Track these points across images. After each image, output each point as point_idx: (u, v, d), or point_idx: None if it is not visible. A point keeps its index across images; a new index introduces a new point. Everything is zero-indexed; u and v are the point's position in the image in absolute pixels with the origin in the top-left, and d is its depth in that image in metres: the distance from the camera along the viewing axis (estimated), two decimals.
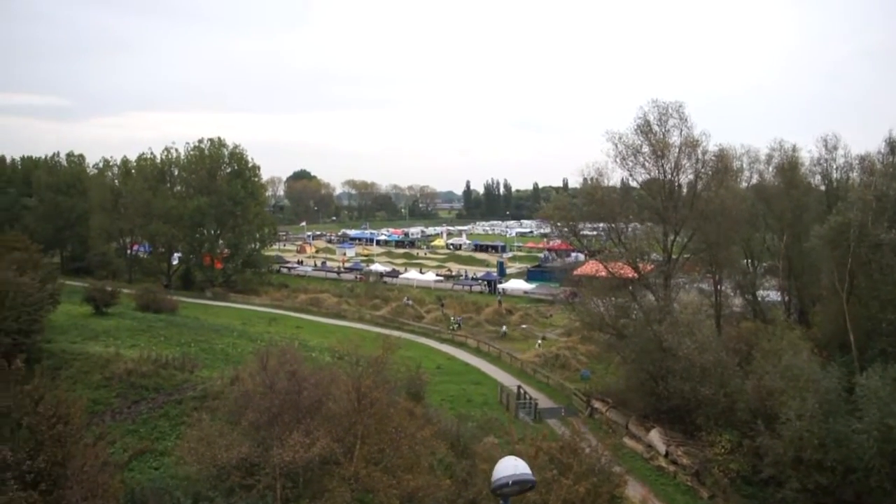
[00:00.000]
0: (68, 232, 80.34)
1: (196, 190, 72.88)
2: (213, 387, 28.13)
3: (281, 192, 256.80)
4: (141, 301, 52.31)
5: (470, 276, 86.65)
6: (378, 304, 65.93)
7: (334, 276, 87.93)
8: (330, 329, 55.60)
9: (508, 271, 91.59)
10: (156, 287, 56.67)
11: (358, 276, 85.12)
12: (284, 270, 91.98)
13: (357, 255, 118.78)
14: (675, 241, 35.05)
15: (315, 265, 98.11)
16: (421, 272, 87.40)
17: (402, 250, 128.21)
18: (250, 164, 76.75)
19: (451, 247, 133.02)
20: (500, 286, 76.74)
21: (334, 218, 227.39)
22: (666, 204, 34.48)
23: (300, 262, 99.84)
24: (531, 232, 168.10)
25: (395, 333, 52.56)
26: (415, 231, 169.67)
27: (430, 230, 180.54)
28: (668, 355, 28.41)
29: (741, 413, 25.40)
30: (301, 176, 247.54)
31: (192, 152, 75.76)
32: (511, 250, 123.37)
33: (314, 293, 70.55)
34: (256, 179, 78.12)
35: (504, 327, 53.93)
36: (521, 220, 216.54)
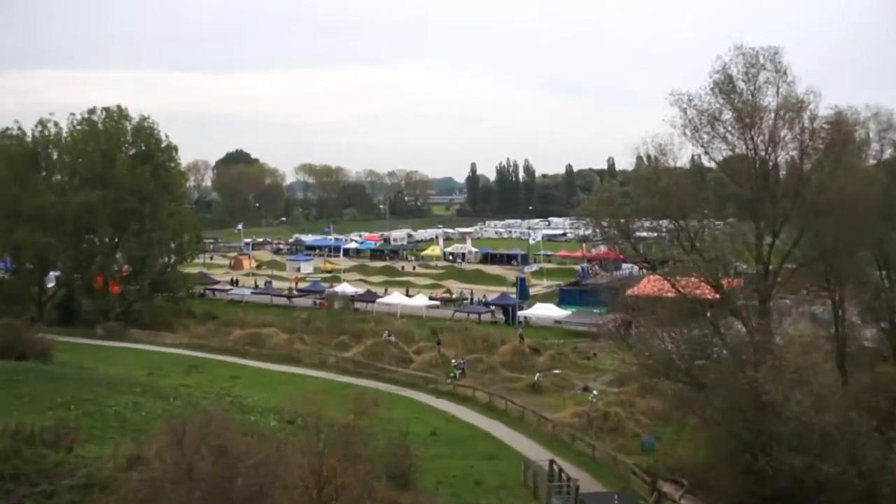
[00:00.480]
0: None
1: (84, 180, 72.28)
2: (102, 471, 27.27)
3: (208, 182, 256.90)
4: None
5: (478, 299, 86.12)
6: (346, 341, 65.72)
7: (284, 301, 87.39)
8: (277, 380, 55.33)
9: (533, 292, 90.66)
10: (21, 322, 55.91)
11: (318, 302, 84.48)
12: (212, 294, 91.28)
13: (317, 270, 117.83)
14: (773, 245, 34.34)
15: (256, 286, 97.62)
16: (408, 294, 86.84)
17: (380, 263, 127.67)
18: (164, 144, 76.34)
19: (451, 257, 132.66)
20: (520, 314, 76.24)
21: (283, 219, 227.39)
22: (758, 193, 33.88)
23: (234, 283, 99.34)
24: (564, 235, 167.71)
25: (372, 385, 52.25)
26: (398, 235, 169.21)
27: (421, 234, 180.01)
28: (769, 415, 27.68)
29: (886, 501, 24.50)
30: (237, 159, 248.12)
31: (79, 127, 75.25)
32: (536, 261, 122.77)
33: (254, 327, 70.21)
34: (173, 165, 77.69)
35: (539, 375, 53.48)
36: (550, 218, 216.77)
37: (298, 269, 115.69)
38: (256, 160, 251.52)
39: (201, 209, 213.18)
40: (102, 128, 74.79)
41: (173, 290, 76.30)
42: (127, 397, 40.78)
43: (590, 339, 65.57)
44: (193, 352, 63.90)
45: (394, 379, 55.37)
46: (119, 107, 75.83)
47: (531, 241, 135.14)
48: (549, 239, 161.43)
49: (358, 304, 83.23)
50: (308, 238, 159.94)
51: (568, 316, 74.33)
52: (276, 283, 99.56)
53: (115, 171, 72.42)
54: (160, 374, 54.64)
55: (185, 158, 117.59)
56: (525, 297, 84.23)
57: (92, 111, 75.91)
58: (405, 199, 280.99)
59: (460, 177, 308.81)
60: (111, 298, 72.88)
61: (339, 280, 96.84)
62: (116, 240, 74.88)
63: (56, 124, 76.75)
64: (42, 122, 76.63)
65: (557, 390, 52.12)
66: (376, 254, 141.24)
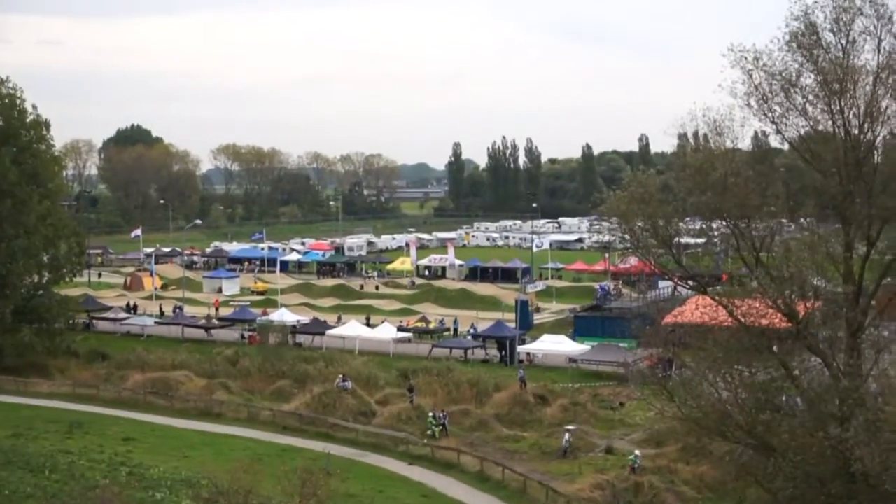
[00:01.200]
0: None
1: None
2: None
3: (93, 171, 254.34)
4: None
5: (464, 330, 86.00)
6: (286, 388, 65.96)
7: (200, 334, 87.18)
8: (191, 442, 55.30)
9: (538, 319, 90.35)
10: None
11: (247, 335, 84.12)
12: (100, 326, 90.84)
13: (244, 291, 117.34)
14: (868, 257, 34.21)
15: (161, 314, 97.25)
16: (369, 324, 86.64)
17: (331, 281, 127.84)
18: (31, 118, 75.51)
19: (427, 273, 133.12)
20: (521, 349, 76.36)
21: (198, 221, 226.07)
22: (849, 185, 33.62)
23: (131, 309, 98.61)
24: (580, 241, 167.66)
25: (321, 447, 52.20)
26: (356, 243, 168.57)
27: (385, 241, 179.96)
28: (861, 489, 27.46)
29: None
30: (132, 137, 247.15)
31: None
32: (542, 278, 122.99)
33: (160, 370, 70.05)
34: (44, 147, 76.64)
35: (568, 435, 52.73)
36: (560, 219, 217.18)
37: (220, 290, 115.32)
38: (159, 140, 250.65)
39: (84, 207, 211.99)
40: None
41: (46, 320, 74.89)
42: None
43: (615, 383, 65.96)
44: (76, 404, 63.50)
45: (351, 439, 55.37)
46: None
47: (535, 250, 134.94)
48: (561, 247, 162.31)
49: (301, 338, 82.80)
50: (232, 247, 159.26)
51: (585, 352, 74.07)
52: (188, 310, 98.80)
53: None
54: (30, 435, 54.09)
55: (59, 138, 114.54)
56: (528, 327, 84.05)
57: None
58: (364, 194, 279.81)
59: (438, 163, 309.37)
60: None
61: (275, 305, 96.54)
62: None
63: None
64: None
65: (571, 452, 51.96)
66: (325, 268, 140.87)
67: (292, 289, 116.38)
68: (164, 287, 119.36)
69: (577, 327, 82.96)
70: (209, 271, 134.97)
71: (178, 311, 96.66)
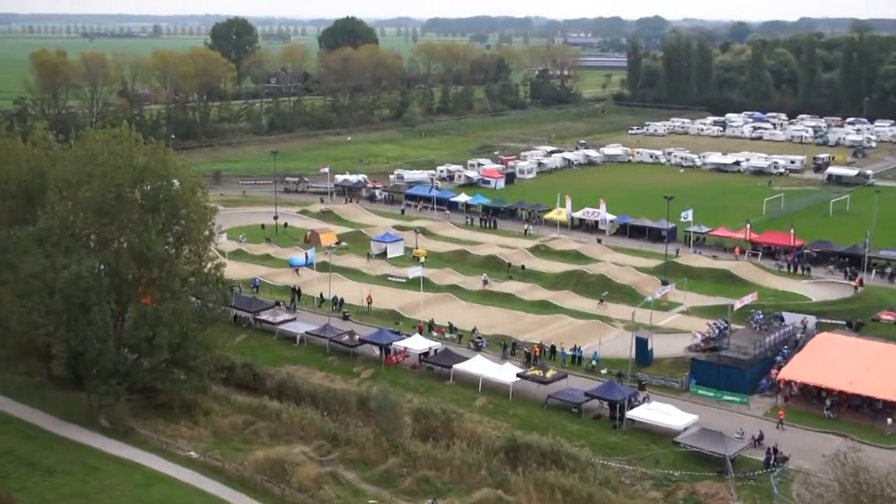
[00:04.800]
0: None
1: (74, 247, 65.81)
2: None
3: (310, 68, 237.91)
4: None
5: (588, 354, 75.17)
6: (394, 469, 58.51)
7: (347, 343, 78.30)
8: None
9: (658, 353, 75.69)
10: None
11: (384, 357, 75.82)
12: (257, 324, 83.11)
13: (405, 259, 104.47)
14: None
15: (321, 301, 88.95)
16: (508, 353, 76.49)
17: (489, 242, 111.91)
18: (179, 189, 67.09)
19: (580, 224, 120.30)
20: (630, 414, 63.46)
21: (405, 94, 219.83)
22: None
23: (296, 293, 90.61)
24: (737, 164, 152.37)
25: None
26: (525, 165, 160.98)
27: (554, 160, 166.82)
28: None
29: None
30: (346, 30, 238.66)
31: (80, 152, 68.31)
32: (684, 241, 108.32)
33: (281, 437, 63.44)
34: (192, 213, 67.55)
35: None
36: (728, 116, 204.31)
37: (384, 254, 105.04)
38: (371, 37, 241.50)
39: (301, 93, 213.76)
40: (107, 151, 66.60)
41: (195, 366, 66.57)
42: None
43: (717, 474, 55.98)
44: (205, 480, 57.29)
45: None
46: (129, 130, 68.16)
47: (683, 219, 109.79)
48: (718, 168, 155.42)
49: (433, 365, 73.37)
50: (412, 175, 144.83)
51: (688, 435, 60.45)
52: (345, 290, 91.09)
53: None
54: None
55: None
56: (647, 364, 73.00)
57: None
58: (549, 79, 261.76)
59: (633, 14, 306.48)
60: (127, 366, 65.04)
61: (427, 285, 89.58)
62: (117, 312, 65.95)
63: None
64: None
65: None
66: (489, 213, 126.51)
67: (448, 258, 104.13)
68: (338, 243, 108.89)
69: (695, 372, 70.15)
70: (377, 235, 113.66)
71: (339, 303, 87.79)
